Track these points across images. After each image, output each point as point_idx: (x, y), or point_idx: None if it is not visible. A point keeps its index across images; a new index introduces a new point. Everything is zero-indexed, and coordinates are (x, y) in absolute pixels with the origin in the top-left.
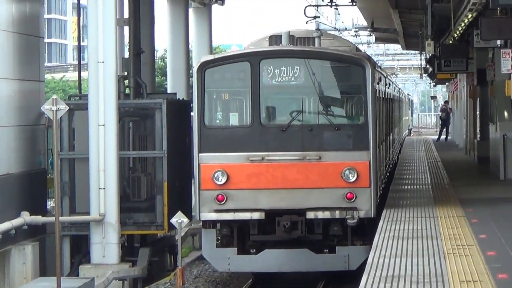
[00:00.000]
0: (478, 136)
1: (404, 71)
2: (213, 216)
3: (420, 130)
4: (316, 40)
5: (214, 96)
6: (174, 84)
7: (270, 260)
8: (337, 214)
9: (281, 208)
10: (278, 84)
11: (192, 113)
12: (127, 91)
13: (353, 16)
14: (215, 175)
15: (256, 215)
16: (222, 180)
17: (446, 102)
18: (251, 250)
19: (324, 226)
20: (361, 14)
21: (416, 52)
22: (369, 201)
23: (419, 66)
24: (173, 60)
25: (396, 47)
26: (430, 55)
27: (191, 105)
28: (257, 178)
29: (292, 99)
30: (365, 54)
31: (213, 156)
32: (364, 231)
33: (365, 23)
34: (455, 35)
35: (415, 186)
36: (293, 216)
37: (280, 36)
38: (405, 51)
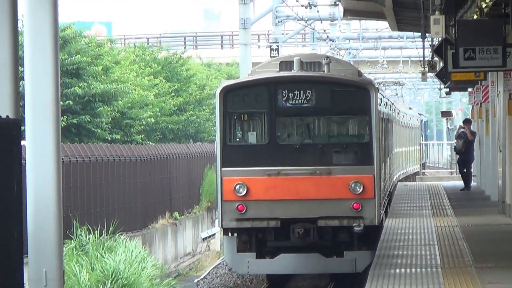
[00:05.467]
0: None
1: (395, 67)
2: (234, 224)
3: (422, 170)
4: (325, 66)
5: (235, 117)
6: None
7: (285, 263)
8: (345, 222)
9: (295, 217)
10: (291, 106)
11: (24, 142)
12: None
13: None
14: (236, 188)
15: (272, 223)
16: (242, 192)
17: (466, 121)
18: (267, 255)
19: (334, 233)
20: None
21: (416, 35)
22: (374, 211)
23: (420, 59)
24: None
25: (381, 26)
26: (440, 40)
27: (23, 128)
28: (273, 190)
29: (304, 119)
30: (369, 79)
31: (234, 170)
32: (369, 238)
33: None
34: (483, 6)
35: (414, 270)
36: (306, 224)
37: (291, 62)
38: (396, 34)
